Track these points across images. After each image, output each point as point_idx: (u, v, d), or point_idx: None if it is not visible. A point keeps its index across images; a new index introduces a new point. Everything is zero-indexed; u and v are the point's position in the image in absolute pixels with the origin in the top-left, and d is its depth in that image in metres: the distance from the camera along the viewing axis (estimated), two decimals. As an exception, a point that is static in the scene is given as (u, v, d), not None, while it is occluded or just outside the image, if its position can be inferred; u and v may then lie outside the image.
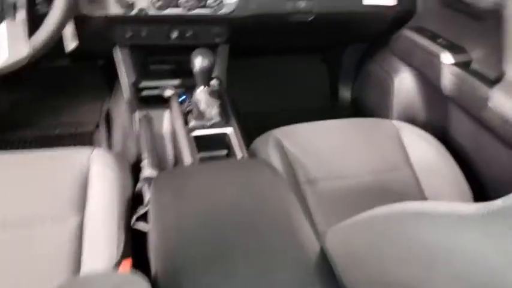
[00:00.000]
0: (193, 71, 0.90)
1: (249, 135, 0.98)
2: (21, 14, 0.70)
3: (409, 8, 1.18)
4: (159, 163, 0.87)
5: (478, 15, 0.98)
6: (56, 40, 0.75)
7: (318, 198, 0.83)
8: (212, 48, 1.16)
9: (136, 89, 1.08)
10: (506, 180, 0.98)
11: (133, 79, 1.10)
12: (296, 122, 1.00)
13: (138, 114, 0.98)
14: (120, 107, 1.23)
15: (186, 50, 1.14)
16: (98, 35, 1.02)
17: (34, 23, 0.72)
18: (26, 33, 0.70)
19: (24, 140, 1.38)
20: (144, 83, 1.10)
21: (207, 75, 0.90)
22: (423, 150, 0.97)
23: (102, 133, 1.36)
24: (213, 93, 0.93)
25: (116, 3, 0.91)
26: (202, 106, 0.91)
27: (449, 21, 1.10)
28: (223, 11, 1.00)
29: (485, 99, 0.94)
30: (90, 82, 1.51)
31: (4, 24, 0.68)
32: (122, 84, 1.10)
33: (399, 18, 1.20)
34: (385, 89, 1.32)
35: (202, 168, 0.74)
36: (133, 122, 0.99)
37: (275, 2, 1.05)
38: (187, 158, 0.84)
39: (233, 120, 0.95)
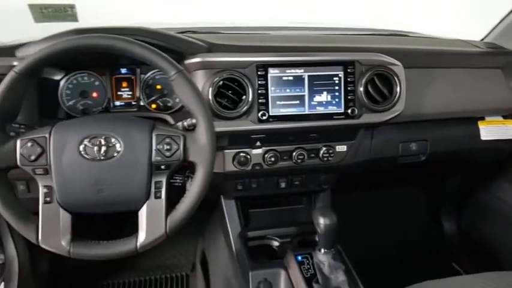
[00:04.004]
0: (318, 231, 0.84)
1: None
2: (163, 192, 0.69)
3: None
4: None
5: None
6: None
7: None
8: (314, 193, 1.13)
9: (244, 240, 1.04)
10: None
11: (239, 230, 1.06)
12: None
13: (252, 276, 0.91)
14: (220, 253, 1.18)
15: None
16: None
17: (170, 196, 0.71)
18: (164, 212, 0.69)
19: (122, 285, 1.35)
20: (250, 233, 1.06)
21: (331, 237, 0.83)
22: None
23: (199, 278, 1.30)
24: (336, 256, 0.85)
25: (232, 161, 0.92)
26: (326, 270, 0.82)
27: None
28: (334, 159, 0.97)
29: None
30: None
31: (145, 204, 0.68)
32: (230, 236, 1.06)
33: None
34: None
35: None
36: (248, 283, 0.92)
37: (387, 147, 1.02)
38: None
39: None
